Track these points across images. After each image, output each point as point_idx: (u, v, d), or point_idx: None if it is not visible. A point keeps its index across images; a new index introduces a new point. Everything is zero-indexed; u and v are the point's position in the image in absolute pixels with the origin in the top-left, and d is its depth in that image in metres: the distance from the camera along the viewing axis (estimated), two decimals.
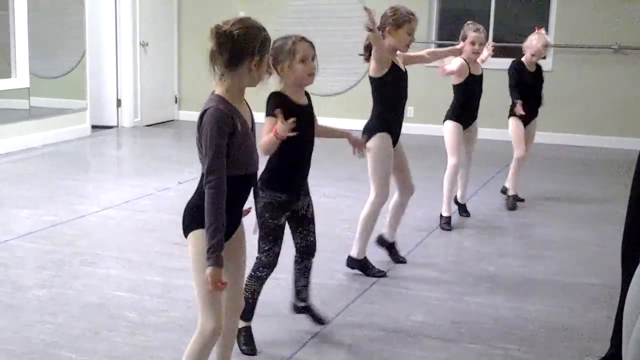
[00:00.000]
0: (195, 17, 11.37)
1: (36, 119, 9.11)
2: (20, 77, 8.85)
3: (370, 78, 4.72)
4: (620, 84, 9.93)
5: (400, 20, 4.68)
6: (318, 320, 4.05)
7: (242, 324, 3.66)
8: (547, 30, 10.20)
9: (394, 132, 4.75)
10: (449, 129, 6.03)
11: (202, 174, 2.82)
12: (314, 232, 3.90)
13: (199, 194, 2.85)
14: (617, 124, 9.96)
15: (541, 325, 4.17)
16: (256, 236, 3.55)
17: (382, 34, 4.61)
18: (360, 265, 4.89)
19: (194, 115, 10.68)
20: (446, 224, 5.99)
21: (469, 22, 6.06)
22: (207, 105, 2.86)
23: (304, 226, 3.85)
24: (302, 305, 4.03)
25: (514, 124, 6.75)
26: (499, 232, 6.02)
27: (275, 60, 3.63)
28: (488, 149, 9.53)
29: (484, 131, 9.88)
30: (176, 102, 11.62)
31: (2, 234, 5.52)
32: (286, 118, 3.46)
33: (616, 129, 9.98)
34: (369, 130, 4.70)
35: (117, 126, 10.64)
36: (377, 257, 5.06)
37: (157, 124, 11.13)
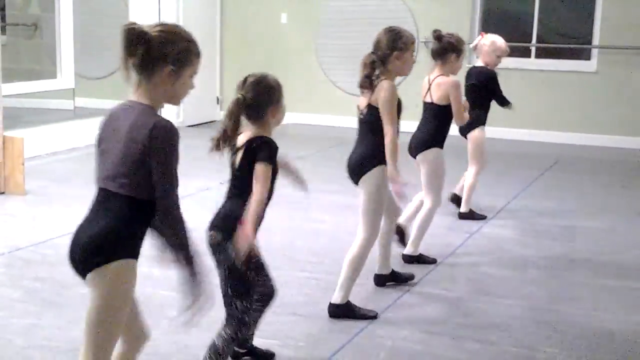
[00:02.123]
0: (237, 19, 11.44)
1: (81, 119, 9.23)
2: (66, 78, 8.99)
3: (372, 107, 4.15)
4: None
5: (408, 43, 4.22)
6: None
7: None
8: (591, 31, 10.10)
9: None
10: (439, 158, 5.12)
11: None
12: None
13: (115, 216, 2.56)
14: None
15: (584, 329, 4.12)
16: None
17: (388, 59, 4.17)
18: (346, 310, 4.22)
19: None
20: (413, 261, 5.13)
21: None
22: (150, 117, 2.54)
23: None
24: (243, 351, 3.67)
25: (482, 134, 6.14)
26: (540, 234, 5.95)
27: (265, 102, 3.34)
28: (524, 150, 9.47)
29: (518, 132, 9.83)
30: (218, 103, 11.70)
31: (48, 232, 5.60)
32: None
33: None
34: (369, 163, 4.16)
35: None
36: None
37: (199, 124, 11.21)
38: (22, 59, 9.61)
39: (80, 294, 4.43)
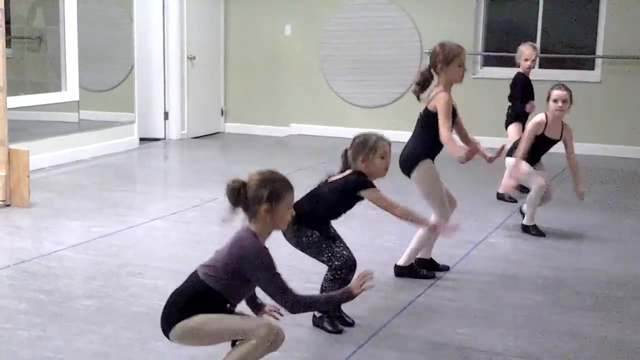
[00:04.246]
0: (241, 31, 11.46)
1: (85, 131, 9.25)
2: (70, 91, 9.01)
3: (428, 111, 4.84)
4: None
5: (450, 55, 4.79)
6: (346, 323, 4.21)
7: (318, 314, 4.17)
8: (595, 40, 10.12)
9: (434, 158, 4.93)
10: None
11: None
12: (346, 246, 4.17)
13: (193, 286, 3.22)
14: None
15: (592, 340, 4.10)
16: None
17: (434, 72, 4.85)
18: (408, 270, 5.05)
19: (240, 128, 10.78)
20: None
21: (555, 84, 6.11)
22: (248, 240, 3.16)
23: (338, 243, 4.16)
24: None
25: (515, 128, 7.08)
26: (548, 244, 5.94)
27: (356, 152, 4.11)
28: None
29: None
30: (222, 114, 11.71)
31: (52, 245, 5.61)
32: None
33: None
34: (416, 159, 4.86)
35: (165, 138, 10.76)
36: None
37: (203, 136, 11.23)
38: (27, 71, 9.63)
39: (85, 307, 4.44)
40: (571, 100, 5.96)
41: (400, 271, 5.03)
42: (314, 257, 4.11)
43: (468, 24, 10.34)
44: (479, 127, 9.06)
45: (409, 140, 4.98)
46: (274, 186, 3.19)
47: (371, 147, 4.09)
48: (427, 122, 4.83)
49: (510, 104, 7.29)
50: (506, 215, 6.60)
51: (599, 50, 10.12)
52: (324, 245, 4.04)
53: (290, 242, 4.10)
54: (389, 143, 4.17)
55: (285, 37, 11.27)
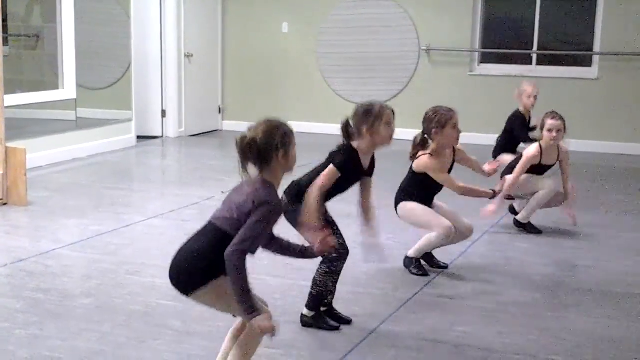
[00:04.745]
0: (239, 29, 11.46)
1: (83, 129, 9.25)
2: (68, 89, 9.00)
3: (412, 170, 4.98)
4: None
5: (443, 120, 4.79)
6: (343, 321, 4.18)
7: (309, 313, 4.11)
8: (592, 37, 10.12)
9: (425, 200, 5.01)
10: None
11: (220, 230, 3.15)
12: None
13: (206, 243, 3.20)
14: None
15: (588, 337, 4.11)
16: None
17: (430, 137, 4.86)
18: (416, 261, 5.08)
19: (237, 125, 10.76)
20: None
21: (547, 112, 5.98)
22: (265, 194, 3.13)
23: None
24: (324, 309, 4.18)
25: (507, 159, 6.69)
26: (546, 241, 5.95)
27: (360, 121, 4.05)
28: None
29: None
30: (220, 112, 11.71)
31: (50, 243, 5.60)
32: (348, 174, 4.06)
33: None
34: (399, 200, 5.04)
35: (162, 136, 10.75)
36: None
37: (201, 134, 11.23)
38: (24, 70, 9.62)
39: (82, 305, 4.44)
40: (565, 129, 5.90)
41: (409, 262, 5.07)
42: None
43: (465, 21, 10.34)
44: (475, 123, 9.09)
45: (403, 181, 5.10)
46: (281, 132, 3.24)
47: (376, 115, 4.02)
48: (412, 177, 5.01)
49: (500, 136, 7.23)
50: (503, 214, 6.60)
51: (596, 47, 10.12)
52: None
53: (293, 223, 4.01)
54: (393, 111, 4.10)
55: (283, 34, 11.26)
